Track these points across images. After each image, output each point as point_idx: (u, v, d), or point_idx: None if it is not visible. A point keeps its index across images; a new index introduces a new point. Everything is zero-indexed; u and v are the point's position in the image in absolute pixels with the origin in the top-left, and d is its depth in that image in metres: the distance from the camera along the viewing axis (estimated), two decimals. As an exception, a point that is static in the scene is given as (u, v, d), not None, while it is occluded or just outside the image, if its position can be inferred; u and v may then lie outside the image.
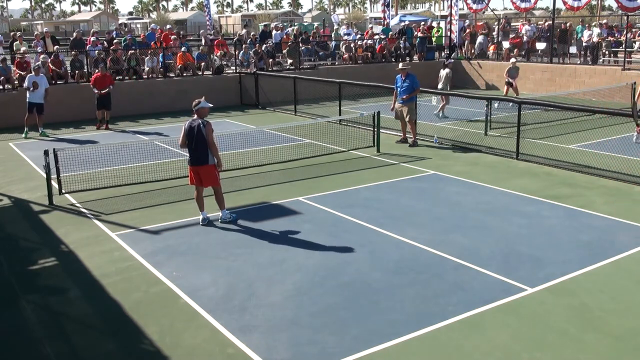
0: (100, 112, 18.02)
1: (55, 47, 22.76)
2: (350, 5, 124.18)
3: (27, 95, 16.79)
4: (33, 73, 17.01)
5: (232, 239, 8.72)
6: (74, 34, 23.58)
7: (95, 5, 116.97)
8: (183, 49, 22.51)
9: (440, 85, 19.08)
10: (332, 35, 28.57)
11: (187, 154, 9.18)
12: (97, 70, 18.41)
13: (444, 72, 19.04)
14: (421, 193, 10.85)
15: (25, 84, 16.91)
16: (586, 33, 24.86)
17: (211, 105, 9.29)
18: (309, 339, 5.94)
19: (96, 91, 17.75)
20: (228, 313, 6.48)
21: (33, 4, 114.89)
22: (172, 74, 21.93)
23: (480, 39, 27.22)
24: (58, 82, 20.03)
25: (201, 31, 31.05)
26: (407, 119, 14.60)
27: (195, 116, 9.01)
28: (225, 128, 16.90)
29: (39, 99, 16.81)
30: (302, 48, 25.14)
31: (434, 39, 28.13)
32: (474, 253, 7.95)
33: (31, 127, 17.05)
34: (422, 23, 31.27)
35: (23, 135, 16.92)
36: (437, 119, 18.16)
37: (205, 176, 9.08)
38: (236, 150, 13.87)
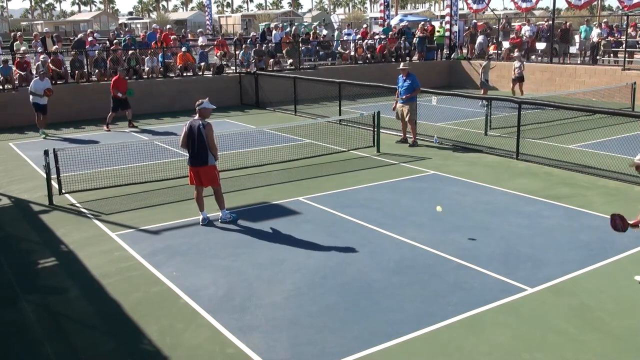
0: (113, 114, 17.77)
1: (55, 47, 22.74)
2: (350, 5, 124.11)
3: (31, 98, 16.68)
4: (38, 78, 16.82)
5: (232, 239, 8.72)
6: (79, 35, 23.65)
7: (95, 5, 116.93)
8: (183, 49, 22.52)
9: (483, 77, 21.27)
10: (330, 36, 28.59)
11: (187, 154, 9.19)
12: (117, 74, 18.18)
13: (487, 64, 21.38)
14: (421, 193, 10.85)
15: (32, 89, 16.66)
16: (594, 32, 24.67)
17: (214, 106, 9.26)
18: (309, 339, 5.94)
19: (120, 94, 17.50)
20: (228, 313, 6.48)
21: (33, 4, 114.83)
22: (172, 74, 21.93)
23: (480, 39, 27.23)
24: (58, 82, 20.03)
25: (199, 30, 31.06)
26: (407, 119, 14.61)
27: (197, 116, 9.00)
28: (225, 128, 16.90)
29: (44, 101, 16.74)
30: (302, 48, 25.16)
31: (434, 39, 28.10)
32: (474, 253, 7.95)
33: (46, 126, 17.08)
34: (422, 23, 31.27)
35: (42, 137, 16.76)
36: (437, 119, 18.15)
37: (205, 176, 9.09)
38: (236, 150, 13.86)
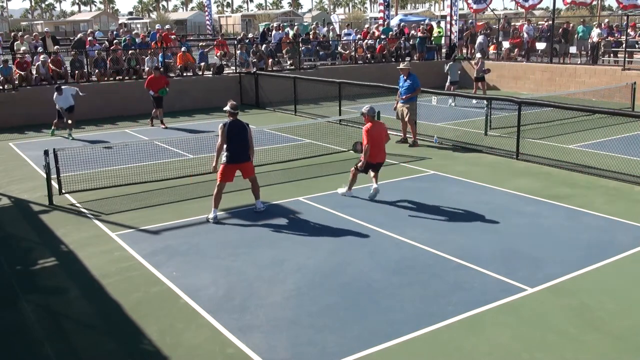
0: (156, 111, 18.04)
1: (56, 47, 22.75)
2: (350, 5, 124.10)
3: (57, 106, 16.50)
4: (57, 94, 16.30)
5: (232, 239, 8.72)
6: (79, 35, 23.64)
7: (95, 5, 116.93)
8: (183, 49, 22.51)
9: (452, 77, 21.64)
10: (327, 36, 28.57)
11: (226, 154, 9.44)
12: (152, 73, 18.31)
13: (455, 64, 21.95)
14: (421, 193, 10.84)
15: (58, 107, 16.46)
16: (594, 32, 24.62)
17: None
18: (309, 339, 5.94)
19: (152, 93, 17.70)
20: (228, 313, 6.48)
21: (33, 4, 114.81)
22: (172, 74, 21.93)
23: (480, 39, 27.22)
24: (58, 82, 20.01)
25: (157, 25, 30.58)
26: (406, 119, 14.61)
27: (231, 118, 9.64)
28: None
29: (68, 102, 16.49)
30: (302, 48, 25.16)
31: (433, 39, 28.12)
32: (474, 253, 7.95)
33: (58, 128, 16.99)
34: (422, 23, 31.27)
35: (50, 133, 16.83)
36: (437, 119, 18.17)
37: (246, 170, 9.71)
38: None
